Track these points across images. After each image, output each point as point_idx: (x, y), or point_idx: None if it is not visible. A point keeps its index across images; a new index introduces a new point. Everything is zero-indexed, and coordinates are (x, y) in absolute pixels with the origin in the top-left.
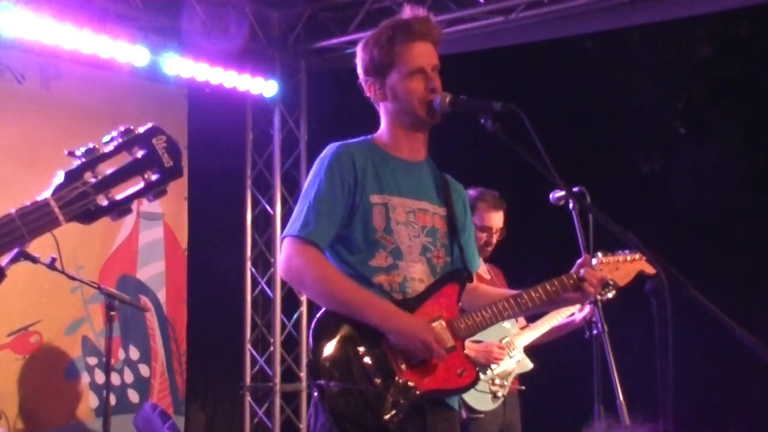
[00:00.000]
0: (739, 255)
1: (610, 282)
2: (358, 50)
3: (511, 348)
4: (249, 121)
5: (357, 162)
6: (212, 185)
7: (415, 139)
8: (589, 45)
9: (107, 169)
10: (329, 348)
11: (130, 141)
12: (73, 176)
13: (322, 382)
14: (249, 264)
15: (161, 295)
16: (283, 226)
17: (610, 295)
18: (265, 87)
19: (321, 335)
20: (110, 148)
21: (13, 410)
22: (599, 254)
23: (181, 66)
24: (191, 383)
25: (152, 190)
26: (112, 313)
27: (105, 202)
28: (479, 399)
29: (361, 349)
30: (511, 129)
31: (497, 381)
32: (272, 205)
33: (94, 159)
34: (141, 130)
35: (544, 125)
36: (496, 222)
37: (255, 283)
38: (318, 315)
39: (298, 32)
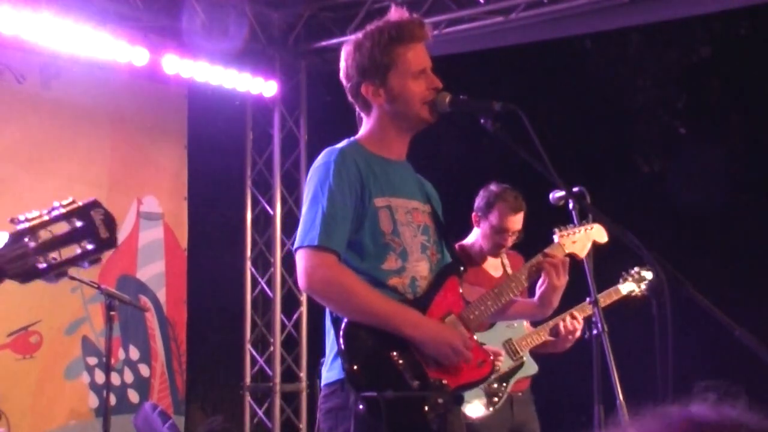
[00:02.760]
0: (739, 255)
1: (580, 258)
2: (349, 50)
3: (513, 350)
4: (249, 121)
5: (360, 166)
6: (212, 185)
7: (405, 140)
8: (589, 45)
9: (47, 234)
10: (364, 355)
11: (70, 212)
12: (15, 239)
13: (373, 393)
14: (249, 264)
15: (161, 295)
16: (283, 226)
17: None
18: (265, 87)
19: (353, 346)
20: (51, 216)
21: (13, 410)
22: (557, 230)
23: (181, 66)
24: (191, 383)
25: (87, 258)
26: (112, 313)
27: (43, 265)
28: (470, 407)
29: (394, 353)
30: (511, 129)
31: (494, 385)
32: (272, 205)
33: (35, 225)
34: (81, 203)
35: (544, 125)
36: (515, 224)
37: (255, 283)
38: (344, 323)
39: (298, 32)
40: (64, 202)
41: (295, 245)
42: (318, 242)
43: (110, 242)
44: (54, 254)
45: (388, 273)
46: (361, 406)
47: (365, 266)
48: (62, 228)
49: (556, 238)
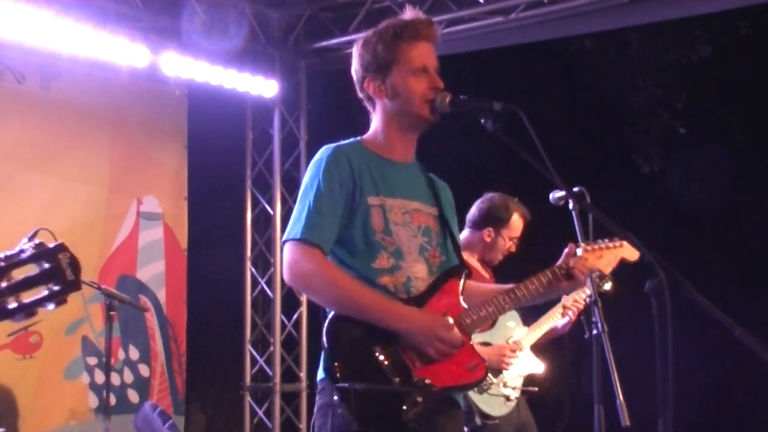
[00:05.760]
0: (739, 255)
1: (604, 274)
2: (357, 47)
3: (519, 348)
4: (249, 121)
5: (354, 164)
6: (212, 185)
7: (409, 141)
8: (589, 45)
9: (18, 275)
10: (346, 350)
11: (39, 254)
12: None
13: (345, 384)
14: (249, 264)
15: (161, 295)
16: (283, 226)
17: (607, 287)
18: (265, 87)
19: (335, 338)
20: (22, 258)
21: (13, 410)
22: (583, 244)
23: (181, 66)
24: (191, 383)
25: (54, 299)
26: (112, 313)
27: (13, 305)
28: (492, 404)
29: (377, 348)
30: (511, 129)
31: (509, 383)
32: (272, 205)
33: (8, 265)
34: (49, 245)
35: (544, 125)
36: (521, 231)
37: (255, 283)
38: (329, 318)
39: (298, 32)
40: (32, 244)
41: (282, 239)
42: (301, 236)
43: (75, 284)
44: (24, 294)
45: (378, 271)
46: (335, 398)
47: (356, 263)
48: (31, 269)
49: (579, 251)
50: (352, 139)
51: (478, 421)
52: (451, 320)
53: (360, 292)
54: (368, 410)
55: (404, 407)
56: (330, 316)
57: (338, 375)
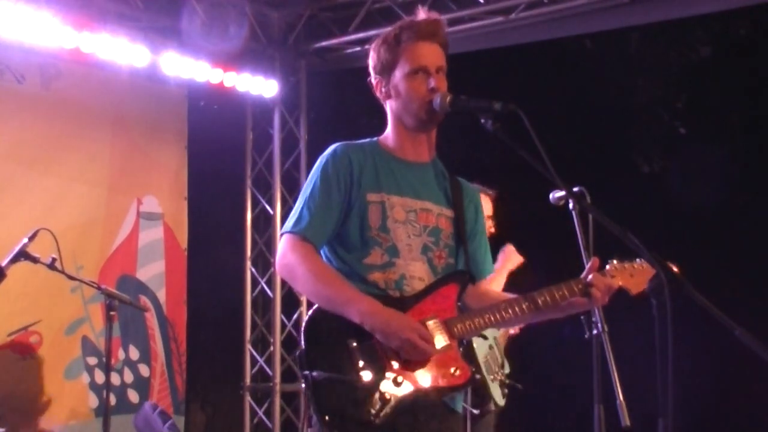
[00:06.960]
0: (739, 255)
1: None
2: (370, 49)
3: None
4: (249, 121)
5: (354, 160)
6: (212, 185)
7: (419, 140)
8: (589, 45)
9: None
10: (320, 340)
11: None
12: None
13: (307, 372)
14: (249, 264)
15: (161, 295)
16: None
17: None
18: (265, 87)
19: (313, 328)
20: None
21: (13, 410)
22: (614, 260)
23: (181, 66)
24: (191, 383)
25: None
26: (112, 313)
27: None
28: (499, 394)
29: (353, 343)
30: (511, 129)
31: (500, 374)
32: (272, 205)
33: None
34: None
35: (544, 125)
36: (492, 210)
37: (255, 283)
38: (311, 311)
39: (298, 32)
40: None
41: (279, 232)
42: (291, 229)
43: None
44: None
45: (370, 267)
46: (303, 385)
47: (349, 258)
48: None
49: (608, 266)
50: (369, 139)
51: (492, 406)
52: (432, 323)
53: (336, 285)
54: (328, 400)
55: (368, 402)
56: (313, 308)
57: (306, 362)
